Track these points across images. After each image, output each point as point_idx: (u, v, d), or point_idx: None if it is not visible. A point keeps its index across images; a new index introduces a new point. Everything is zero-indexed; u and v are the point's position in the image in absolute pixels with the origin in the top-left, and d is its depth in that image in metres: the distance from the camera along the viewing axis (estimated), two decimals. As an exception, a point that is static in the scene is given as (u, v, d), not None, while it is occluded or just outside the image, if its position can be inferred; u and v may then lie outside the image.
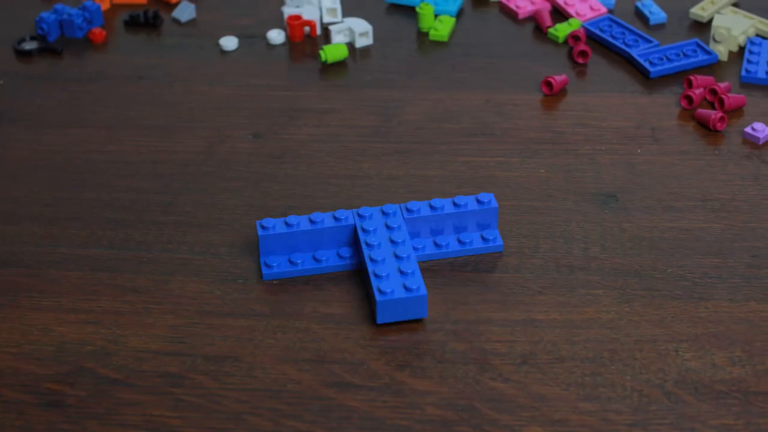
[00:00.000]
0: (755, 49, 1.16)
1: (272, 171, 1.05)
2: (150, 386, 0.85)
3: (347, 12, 1.27)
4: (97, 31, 1.24)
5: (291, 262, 0.94)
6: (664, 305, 0.90)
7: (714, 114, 1.08)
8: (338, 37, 1.22)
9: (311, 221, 0.94)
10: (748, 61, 1.15)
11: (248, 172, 1.05)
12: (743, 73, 1.14)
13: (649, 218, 0.99)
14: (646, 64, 1.15)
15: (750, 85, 1.14)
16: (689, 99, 1.11)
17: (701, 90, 1.11)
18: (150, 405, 0.83)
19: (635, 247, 0.96)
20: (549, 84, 1.13)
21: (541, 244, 0.96)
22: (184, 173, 1.05)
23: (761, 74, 1.14)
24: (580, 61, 1.18)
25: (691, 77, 1.12)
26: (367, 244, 0.92)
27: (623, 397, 0.83)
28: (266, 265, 0.94)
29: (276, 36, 1.22)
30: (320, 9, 1.24)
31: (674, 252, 0.95)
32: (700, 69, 1.17)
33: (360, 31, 1.21)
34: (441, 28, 1.23)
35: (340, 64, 1.20)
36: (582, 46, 1.18)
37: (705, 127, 1.09)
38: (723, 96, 1.09)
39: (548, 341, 0.88)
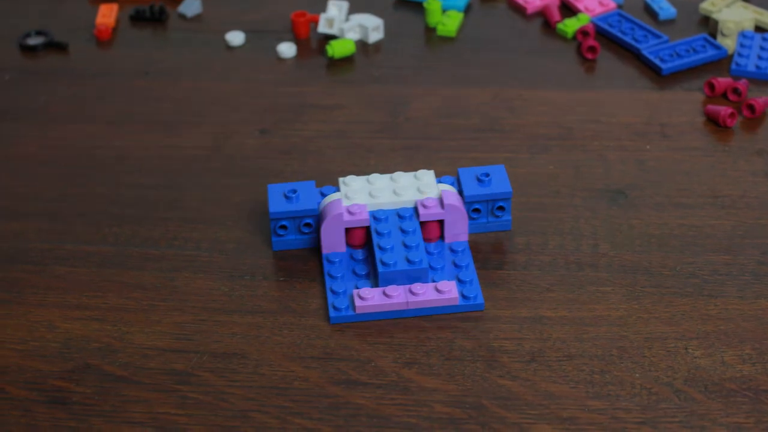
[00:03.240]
0: (747, 42, 1.16)
1: (279, 167, 1.05)
2: (156, 383, 0.84)
3: (354, 9, 1.26)
4: (103, 28, 1.23)
5: (301, 232, 0.95)
6: (674, 302, 0.90)
7: (724, 110, 1.07)
8: (349, 35, 1.21)
9: (322, 194, 0.96)
10: (739, 54, 1.15)
11: (255, 168, 1.04)
12: (733, 66, 1.14)
13: (658, 215, 0.98)
14: (657, 61, 1.15)
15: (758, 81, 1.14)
16: (711, 86, 1.10)
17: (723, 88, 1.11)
18: (156, 402, 0.83)
19: (644, 244, 0.95)
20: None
21: (549, 240, 0.96)
22: (190, 169, 1.05)
23: (750, 67, 1.14)
24: (589, 56, 1.17)
25: (713, 81, 1.11)
26: (375, 218, 0.93)
27: (632, 395, 0.82)
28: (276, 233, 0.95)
29: (286, 49, 1.20)
30: (362, 28, 1.22)
31: (684, 249, 0.94)
32: (710, 63, 1.16)
33: (372, 26, 1.21)
34: (449, 23, 1.22)
35: (347, 60, 1.19)
36: (591, 42, 1.17)
37: (715, 123, 1.08)
38: (754, 103, 1.08)
39: (557, 338, 0.87)
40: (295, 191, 0.94)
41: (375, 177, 0.95)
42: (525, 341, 0.87)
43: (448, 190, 0.94)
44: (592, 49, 1.17)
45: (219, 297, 0.92)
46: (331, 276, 0.91)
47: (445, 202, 0.93)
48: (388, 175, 0.96)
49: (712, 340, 0.86)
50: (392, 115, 1.11)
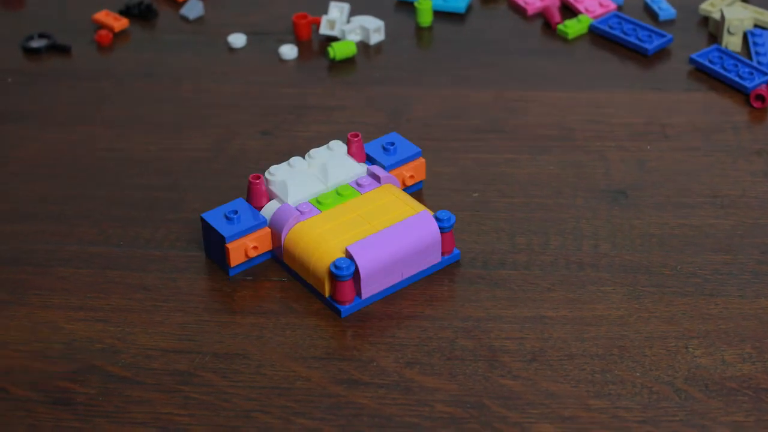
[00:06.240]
0: (759, 40, 1.16)
1: (281, 168, 1.05)
2: (159, 384, 0.85)
3: (356, 11, 1.26)
4: (104, 33, 1.23)
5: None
6: (674, 302, 0.90)
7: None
8: (351, 36, 1.22)
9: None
10: (757, 53, 1.15)
11: (257, 170, 1.05)
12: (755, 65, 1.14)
13: (658, 215, 0.98)
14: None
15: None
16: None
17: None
18: (159, 403, 0.83)
19: (645, 243, 0.95)
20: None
21: (550, 240, 0.96)
22: (192, 171, 1.05)
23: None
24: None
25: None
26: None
27: (633, 394, 0.83)
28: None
29: (288, 51, 1.20)
30: (364, 29, 1.22)
31: (684, 248, 0.95)
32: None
33: (373, 27, 1.21)
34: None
35: (348, 61, 1.19)
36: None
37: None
38: (763, 93, 1.07)
39: (558, 338, 0.87)
40: (236, 212, 0.92)
41: (296, 159, 0.97)
42: (526, 341, 0.87)
43: (374, 165, 0.98)
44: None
45: (221, 298, 0.92)
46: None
47: (379, 175, 0.96)
48: (305, 162, 0.97)
49: (712, 339, 0.87)
50: (393, 116, 1.11)
